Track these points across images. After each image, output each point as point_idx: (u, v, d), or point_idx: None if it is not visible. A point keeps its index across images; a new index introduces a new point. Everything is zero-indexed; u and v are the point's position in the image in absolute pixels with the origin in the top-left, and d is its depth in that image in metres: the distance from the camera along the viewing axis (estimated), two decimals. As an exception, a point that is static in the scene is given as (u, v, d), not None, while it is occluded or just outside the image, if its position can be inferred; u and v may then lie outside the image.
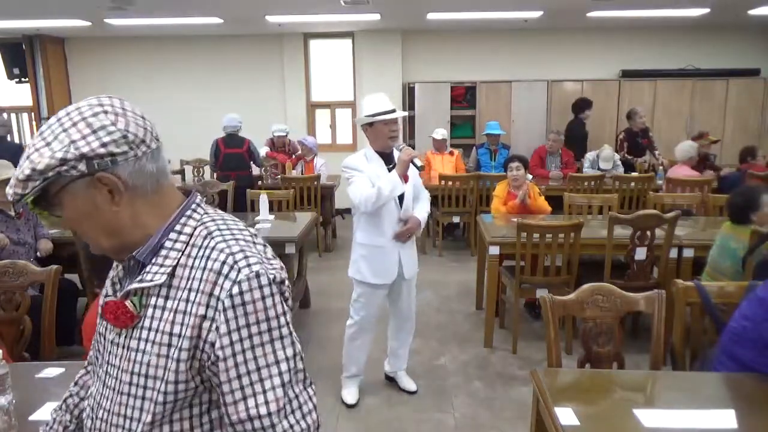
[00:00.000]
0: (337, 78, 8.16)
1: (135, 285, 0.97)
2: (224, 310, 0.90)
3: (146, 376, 0.95)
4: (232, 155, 5.78)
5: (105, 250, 1.01)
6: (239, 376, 0.91)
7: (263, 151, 6.44)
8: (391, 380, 3.34)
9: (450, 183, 5.76)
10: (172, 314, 0.94)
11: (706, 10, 6.48)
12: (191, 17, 6.47)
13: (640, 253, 3.54)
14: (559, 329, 2.10)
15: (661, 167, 6.14)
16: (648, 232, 3.51)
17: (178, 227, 0.99)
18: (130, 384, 0.96)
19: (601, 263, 3.63)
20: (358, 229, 3.02)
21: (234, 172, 5.72)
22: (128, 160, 0.93)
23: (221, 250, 0.94)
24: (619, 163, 6.34)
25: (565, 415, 1.61)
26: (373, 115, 2.82)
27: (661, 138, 7.16)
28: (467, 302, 4.62)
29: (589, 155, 6.45)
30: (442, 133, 6.41)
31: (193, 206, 1.03)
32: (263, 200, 4.42)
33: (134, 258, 1.00)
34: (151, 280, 0.96)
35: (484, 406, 3.09)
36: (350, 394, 3.15)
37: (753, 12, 6.62)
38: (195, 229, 0.99)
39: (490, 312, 3.80)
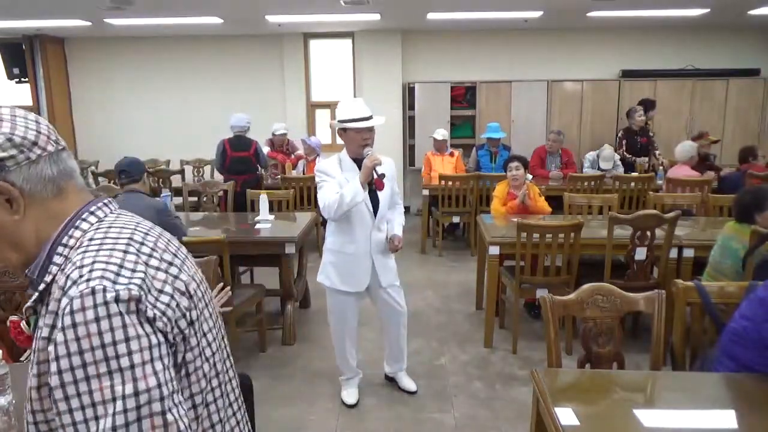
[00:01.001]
0: (337, 78, 8.17)
1: (28, 303, 0.91)
2: (59, 331, 0.78)
3: (30, 403, 0.87)
4: (239, 158, 5.74)
5: (16, 267, 0.95)
6: (69, 411, 0.76)
7: (264, 151, 6.43)
8: (391, 380, 3.33)
9: (450, 183, 5.76)
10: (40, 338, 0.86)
11: (706, 10, 6.48)
12: (191, 17, 6.47)
13: (640, 253, 3.54)
14: (559, 329, 2.10)
15: (661, 167, 6.14)
16: (648, 232, 3.51)
17: (65, 239, 0.91)
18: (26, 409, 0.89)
19: (601, 263, 3.63)
20: (329, 234, 2.96)
21: (241, 175, 5.69)
22: (20, 165, 0.88)
23: (74, 263, 0.84)
24: (620, 163, 6.34)
25: (565, 415, 1.61)
26: (346, 121, 2.76)
27: (662, 138, 7.16)
28: (467, 302, 4.62)
29: (589, 155, 6.46)
30: (442, 133, 6.40)
31: (85, 215, 0.93)
32: (263, 200, 4.42)
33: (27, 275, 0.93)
34: (32, 299, 0.89)
35: (484, 406, 3.09)
36: (350, 395, 3.15)
37: (753, 12, 6.62)
38: (78, 240, 0.90)
39: (490, 312, 3.80)
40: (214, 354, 0.98)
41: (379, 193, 2.83)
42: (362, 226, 2.85)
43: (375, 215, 2.85)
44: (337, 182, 2.78)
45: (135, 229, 0.92)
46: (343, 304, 3.00)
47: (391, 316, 3.08)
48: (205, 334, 0.95)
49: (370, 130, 2.77)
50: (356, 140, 2.76)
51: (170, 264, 0.91)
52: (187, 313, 0.90)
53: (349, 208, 2.71)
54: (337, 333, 3.08)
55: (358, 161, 2.80)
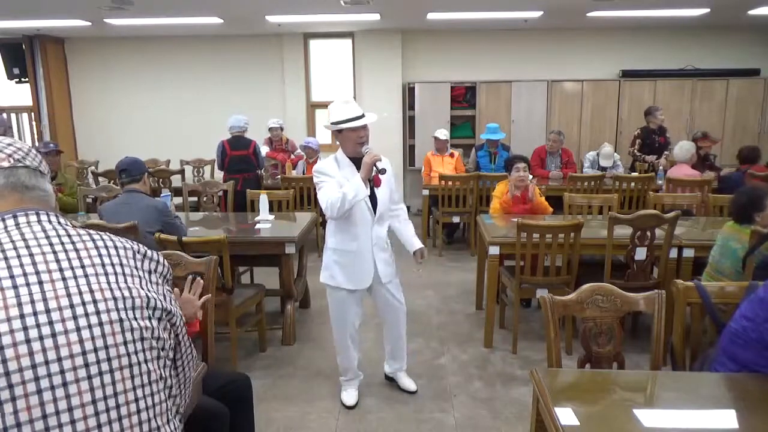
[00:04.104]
0: (337, 78, 8.17)
1: None
2: None
3: None
4: (238, 157, 5.74)
5: None
6: None
7: (263, 151, 6.43)
8: (391, 380, 3.33)
9: (450, 183, 5.76)
10: None
11: (706, 10, 6.48)
12: (191, 17, 6.47)
13: (640, 253, 3.54)
14: (559, 329, 2.10)
15: (661, 168, 6.14)
16: (648, 232, 3.51)
17: None
18: None
19: (601, 263, 3.63)
20: (330, 234, 2.98)
21: (241, 174, 5.69)
22: None
23: None
24: (620, 163, 6.33)
25: (565, 415, 1.60)
26: (339, 122, 2.80)
27: (662, 138, 7.16)
28: (467, 302, 4.62)
29: (589, 155, 6.45)
30: (445, 133, 6.42)
31: None
32: (263, 200, 4.42)
33: None
34: None
35: (484, 406, 3.09)
36: (349, 396, 3.14)
37: (753, 12, 6.62)
38: None
39: (490, 312, 3.80)
40: None
41: (377, 191, 2.86)
42: (363, 224, 2.87)
43: (375, 212, 2.88)
44: (336, 181, 2.80)
45: None
46: (345, 303, 2.99)
47: (392, 312, 3.09)
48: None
49: (365, 128, 2.82)
50: (352, 139, 2.81)
51: None
52: None
53: (351, 206, 2.74)
54: (340, 333, 3.07)
55: (355, 160, 2.84)
